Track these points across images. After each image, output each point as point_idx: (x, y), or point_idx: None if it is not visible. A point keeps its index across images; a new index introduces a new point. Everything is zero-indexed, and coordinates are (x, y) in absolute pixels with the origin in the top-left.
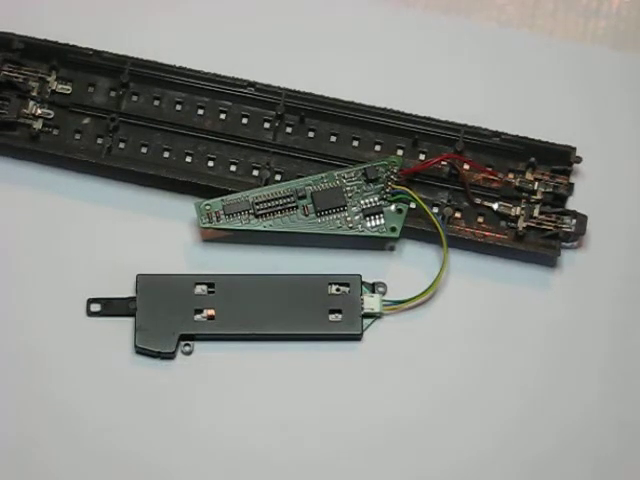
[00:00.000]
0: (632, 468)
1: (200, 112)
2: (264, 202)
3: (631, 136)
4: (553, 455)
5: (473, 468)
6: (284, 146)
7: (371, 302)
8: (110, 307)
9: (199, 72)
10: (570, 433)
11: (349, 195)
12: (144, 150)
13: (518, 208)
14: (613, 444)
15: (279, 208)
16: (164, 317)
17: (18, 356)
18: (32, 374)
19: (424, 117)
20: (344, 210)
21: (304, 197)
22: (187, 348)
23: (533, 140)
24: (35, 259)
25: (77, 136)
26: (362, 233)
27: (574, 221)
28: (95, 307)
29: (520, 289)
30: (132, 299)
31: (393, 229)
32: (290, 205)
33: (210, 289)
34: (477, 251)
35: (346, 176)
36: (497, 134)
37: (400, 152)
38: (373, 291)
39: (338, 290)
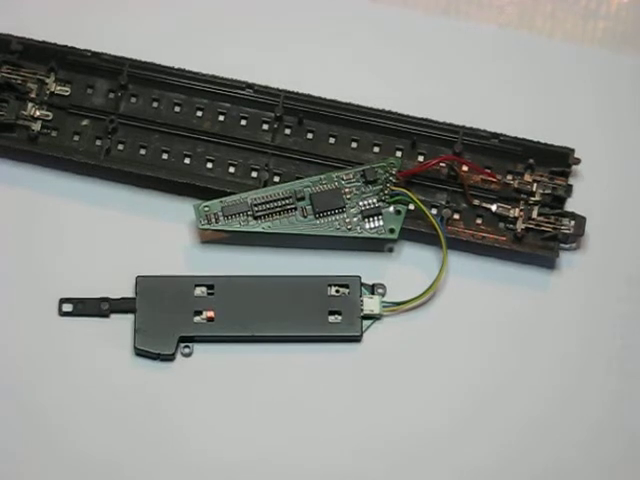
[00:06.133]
0: (635, 470)
1: (199, 114)
2: (263, 204)
3: (630, 137)
4: (553, 456)
5: (473, 469)
6: (283, 147)
7: (370, 303)
8: (82, 307)
9: (198, 74)
10: (570, 434)
11: (348, 197)
12: (143, 152)
13: (517, 209)
14: (615, 445)
15: (278, 209)
16: (164, 319)
17: (15, 356)
18: (30, 374)
19: (423, 118)
20: (343, 211)
21: (303, 198)
22: (187, 350)
23: (532, 142)
24: (34, 260)
25: (76, 138)
26: (361, 234)
27: (573, 222)
28: (67, 307)
29: (519, 290)
30: (105, 299)
31: (392, 230)
32: (289, 206)
33: (210, 291)
34: (476, 252)
35: (345, 177)
36: (496, 135)
37: (399, 153)
38: (372, 292)
39: (337, 291)
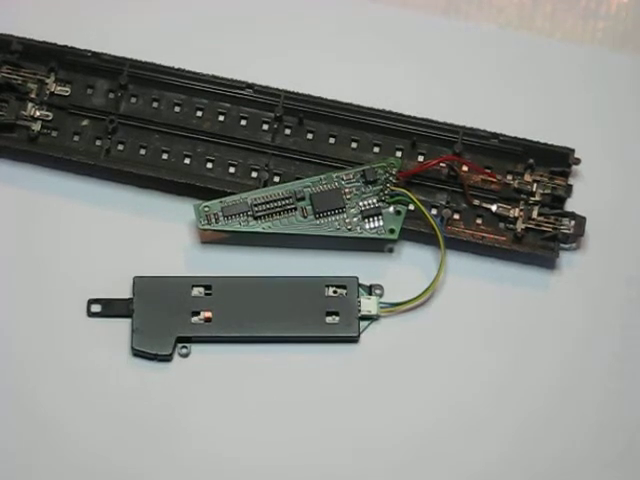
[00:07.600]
0: (635, 469)
1: (199, 114)
2: (263, 204)
3: (630, 137)
4: (553, 456)
5: (472, 470)
6: (283, 148)
7: (368, 304)
8: (110, 308)
9: (197, 74)
10: (570, 434)
11: (348, 197)
12: (143, 152)
13: (517, 209)
14: (615, 444)
15: (278, 210)
16: (161, 319)
17: (13, 356)
18: (27, 375)
19: (423, 119)
20: (343, 212)
21: (303, 199)
22: (184, 350)
23: (532, 142)
24: (33, 260)
25: (76, 138)
26: (361, 235)
27: (573, 222)
28: (96, 308)
29: (518, 291)
30: (131, 300)
31: (392, 231)
32: (289, 207)
33: (207, 291)
34: (476, 253)
35: (345, 178)
36: (496, 135)
37: (399, 154)
38: (370, 293)
39: (335, 292)
